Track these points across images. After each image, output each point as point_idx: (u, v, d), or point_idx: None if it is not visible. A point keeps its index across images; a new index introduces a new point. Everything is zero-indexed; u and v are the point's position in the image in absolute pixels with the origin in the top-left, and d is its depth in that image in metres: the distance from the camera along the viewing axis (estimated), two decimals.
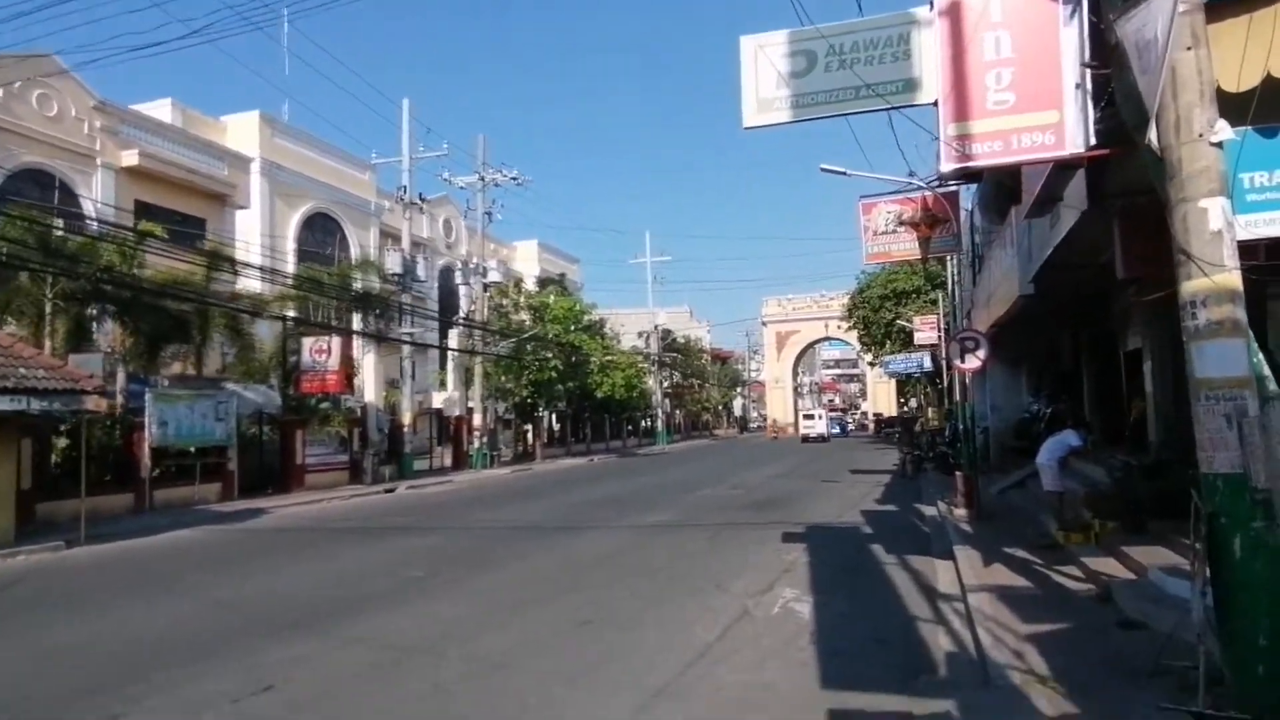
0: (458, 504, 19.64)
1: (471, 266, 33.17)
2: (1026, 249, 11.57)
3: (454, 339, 33.87)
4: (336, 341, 23.91)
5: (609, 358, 41.42)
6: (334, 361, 23.81)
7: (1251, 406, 4.44)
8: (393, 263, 27.50)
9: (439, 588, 9.15)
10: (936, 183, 15.38)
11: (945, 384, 36.09)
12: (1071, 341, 18.42)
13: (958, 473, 13.15)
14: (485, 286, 33.55)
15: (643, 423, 56.88)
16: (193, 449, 19.82)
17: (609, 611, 7.88)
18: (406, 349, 28.36)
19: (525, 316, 38.26)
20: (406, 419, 28.10)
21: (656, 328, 57.79)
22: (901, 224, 16.41)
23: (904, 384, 60.98)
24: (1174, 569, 6.90)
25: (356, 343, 28.21)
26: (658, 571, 9.77)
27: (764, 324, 79.46)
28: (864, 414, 78.96)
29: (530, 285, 43.59)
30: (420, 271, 28.67)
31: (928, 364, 37.09)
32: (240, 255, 23.69)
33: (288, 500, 20.90)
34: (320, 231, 36.75)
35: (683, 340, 65.51)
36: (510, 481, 27.28)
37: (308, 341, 24.02)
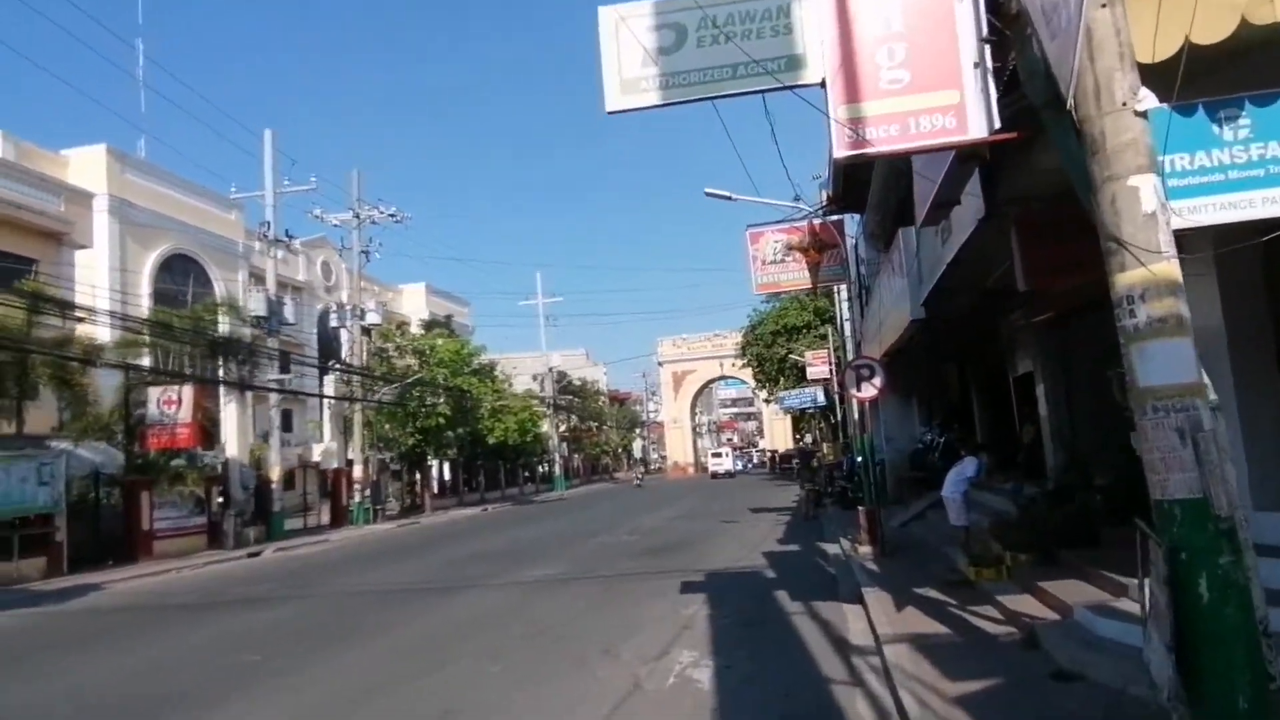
0: (326, 567, 17.69)
1: (348, 308, 31.14)
2: (916, 273, 11.22)
3: (330, 386, 31.59)
4: (188, 391, 21.56)
5: (501, 402, 39.80)
6: (185, 413, 21.43)
7: (1206, 419, 3.74)
8: (256, 304, 25.30)
9: (270, 676, 7.59)
10: (823, 210, 15.09)
11: (839, 418, 36.40)
12: (959, 372, 18.47)
13: (859, 508, 12.52)
14: (364, 329, 31.54)
15: (539, 468, 55.09)
16: (13, 520, 17.14)
17: (476, 695, 6.59)
18: (274, 398, 26.05)
19: (412, 361, 36.30)
20: (275, 474, 25.68)
21: (551, 370, 56.55)
22: (790, 250, 16.02)
23: (799, 419, 61.79)
24: (1100, 606, 6.27)
25: (220, 393, 25.76)
26: (539, 636, 8.52)
27: (660, 364, 79.41)
28: (761, 451, 79.56)
29: (417, 329, 41.63)
30: (289, 313, 26.53)
31: (821, 398, 37.35)
32: (84, 299, 21.17)
33: (131, 572, 18.38)
34: (181, 274, 34.00)
35: (579, 383, 64.36)
36: (393, 537, 25.24)
37: (154, 392, 21.57)
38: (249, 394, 25.85)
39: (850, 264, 15.84)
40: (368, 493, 30.73)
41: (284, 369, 28.06)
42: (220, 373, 24.72)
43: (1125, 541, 4.52)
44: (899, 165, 7.64)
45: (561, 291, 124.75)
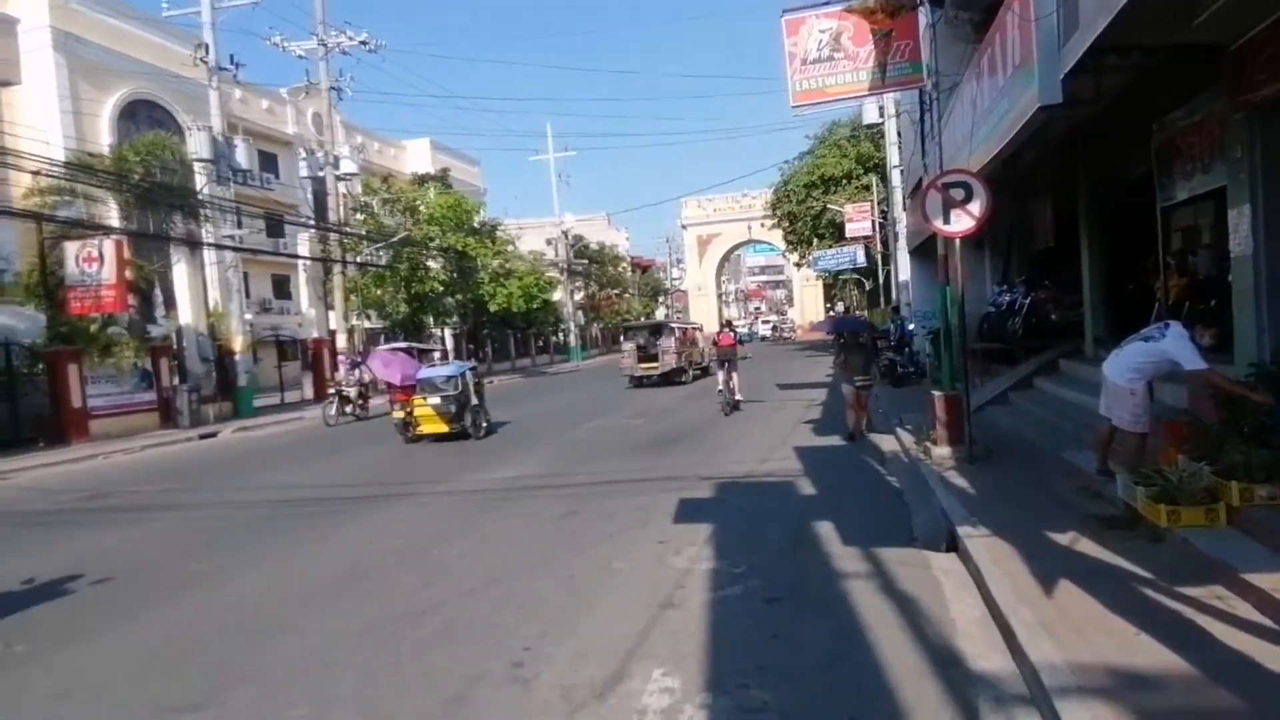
0: (269, 454, 14.70)
1: (318, 155, 27.06)
2: (1056, 31, 7.05)
3: (305, 247, 28.02)
4: (109, 245, 18.10)
5: (505, 265, 36.00)
6: (109, 272, 18.08)
7: None
8: (198, 145, 21.36)
9: None
10: None
11: (881, 280, 32.32)
12: (1054, 210, 14.23)
13: (936, 392, 8.87)
14: (339, 179, 27.55)
15: (554, 338, 52.00)
16: None
17: None
18: (230, 257, 22.56)
19: (405, 218, 32.43)
20: (238, 344, 22.55)
21: (566, 233, 52.27)
22: (839, 43, 11.65)
23: (830, 287, 57.56)
24: None
25: (170, 252, 22.40)
26: (427, 617, 5.18)
27: (684, 227, 74.59)
28: (789, 321, 75.55)
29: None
30: (241, 157, 22.51)
31: (861, 258, 33.13)
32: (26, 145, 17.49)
33: (49, 458, 15.62)
34: (147, 123, 29.90)
35: (597, 247, 60.07)
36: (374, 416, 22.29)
37: (71, 247, 18.16)
38: (225, 254, 22.35)
39: (925, 48, 11.38)
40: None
41: (239, 223, 24.40)
42: (165, 227, 21.21)
43: None
44: None
45: (580, 149, 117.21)
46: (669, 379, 23.90)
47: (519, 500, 8.57)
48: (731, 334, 17.16)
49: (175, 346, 22.17)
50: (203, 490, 10.94)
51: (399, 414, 14.98)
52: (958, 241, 8.22)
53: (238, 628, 5.20)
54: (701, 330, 29.68)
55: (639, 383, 24.12)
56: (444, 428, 14.08)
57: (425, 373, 15.13)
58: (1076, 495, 6.59)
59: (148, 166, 20.57)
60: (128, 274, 19.15)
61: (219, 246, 21.83)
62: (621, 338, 33.54)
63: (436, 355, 22.37)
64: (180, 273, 22.76)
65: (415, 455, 12.77)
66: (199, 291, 22.47)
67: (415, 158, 49.52)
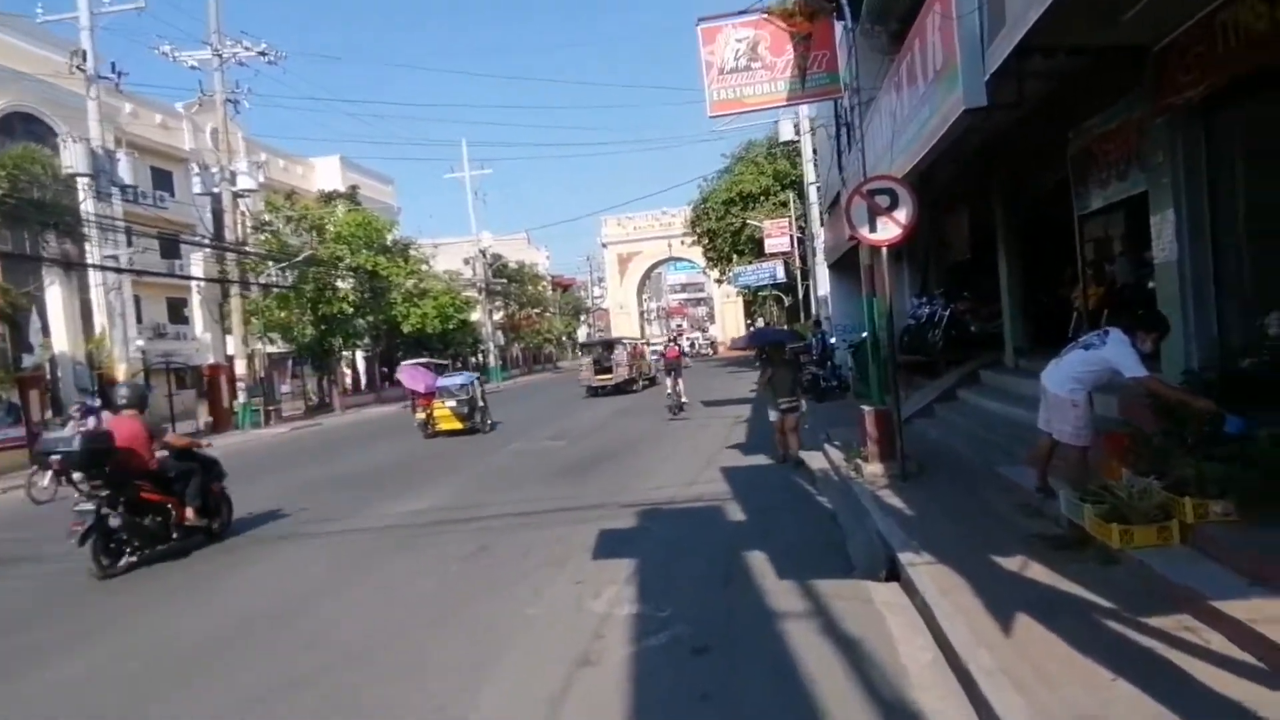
0: None
1: (213, 171, 25.48)
2: (977, 33, 6.83)
3: (199, 267, 26.29)
4: None
5: (417, 283, 34.71)
6: None
7: None
8: (74, 159, 19.70)
9: None
10: None
11: (801, 296, 32.54)
12: (971, 221, 14.33)
13: (866, 407, 8.52)
14: (238, 195, 26.01)
15: (473, 359, 50.64)
16: None
17: None
18: (111, 279, 20.82)
19: (310, 237, 30.88)
20: (120, 372, 20.79)
21: (484, 252, 51.17)
22: (757, 52, 11.38)
23: (751, 303, 58.11)
24: None
25: (43, 274, 20.52)
26: (301, 690, 4.40)
27: (604, 246, 74.28)
28: (710, 339, 75.87)
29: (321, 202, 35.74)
30: (124, 171, 20.91)
31: (781, 274, 33.32)
32: None
33: None
34: (26, 137, 27.65)
35: (515, 266, 59.04)
36: (274, 445, 20.90)
37: None
38: (107, 276, 20.55)
39: (842, 59, 11.18)
40: (252, 392, 26.08)
41: (130, 241, 22.63)
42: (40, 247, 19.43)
43: None
44: None
45: (499, 164, 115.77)
46: (621, 389, 26.39)
47: (426, 537, 7.78)
48: (677, 347, 21.11)
49: (49, 376, 20.30)
50: (54, 538, 9.68)
51: (421, 415, 18.31)
52: (884, 251, 7.92)
53: (73, 716, 4.30)
54: (649, 345, 33.80)
55: (595, 392, 26.48)
56: (459, 425, 17.44)
57: (443, 381, 18.84)
58: (1017, 513, 6.27)
59: (14, 181, 18.79)
60: None
61: (96, 267, 20.16)
62: (580, 353, 36.94)
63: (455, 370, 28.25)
64: (55, 296, 20.87)
65: (318, 488, 11.74)
66: (76, 317, 20.67)
67: (325, 176, 47.64)
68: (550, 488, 9.95)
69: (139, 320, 35.72)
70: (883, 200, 7.71)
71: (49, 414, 19.22)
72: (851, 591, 5.20)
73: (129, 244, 25.24)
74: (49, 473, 10.00)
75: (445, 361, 32.07)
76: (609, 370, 26.70)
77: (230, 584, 6.74)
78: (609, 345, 29.12)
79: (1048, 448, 6.00)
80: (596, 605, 5.28)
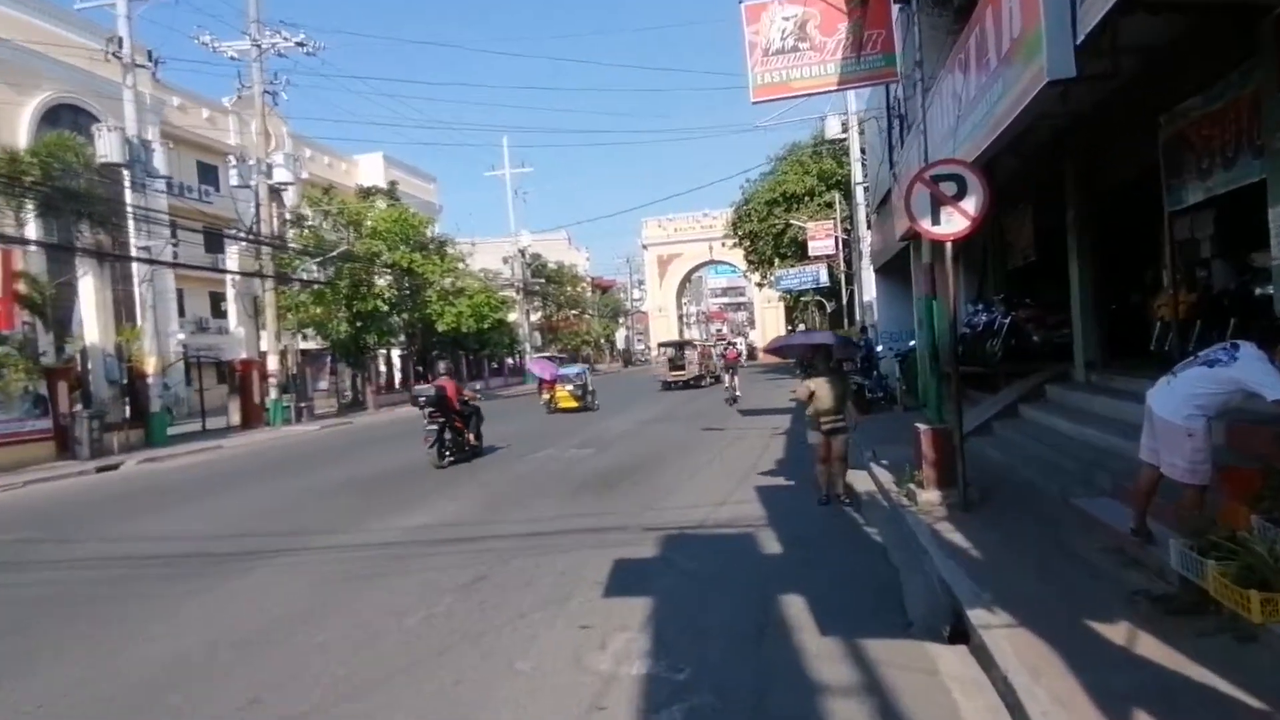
0: (163, 493, 12.84)
1: (250, 163, 25.24)
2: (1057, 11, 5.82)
3: (234, 260, 26.09)
4: None
5: (457, 283, 34.22)
6: None
7: None
8: (108, 148, 19.49)
9: None
10: None
11: (845, 301, 31.34)
12: (1036, 222, 13.16)
13: (921, 426, 7.53)
14: (272, 190, 25.75)
15: (509, 360, 50.22)
16: None
17: None
18: (141, 271, 20.62)
19: (348, 232, 30.63)
20: (150, 365, 20.57)
21: (523, 251, 50.73)
22: (805, 29, 10.45)
23: (792, 309, 56.76)
24: None
25: (83, 265, 20.40)
26: None
27: (645, 247, 73.53)
28: (749, 343, 74.61)
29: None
30: (159, 163, 20.72)
31: (824, 278, 32.13)
32: None
33: None
34: (72, 129, 27.91)
35: (554, 266, 58.54)
36: (301, 443, 20.46)
37: None
38: (140, 268, 20.40)
39: (899, 40, 10.15)
40: (286, 387, 25.78)
41: (150, 232, 22.46)
42: (70, 235, 19.27)
43: None
44: None
45: (541, 167, 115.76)
46: (690, 384, 30.56)
47: (421, 558, 7.00)
48: (736, 350, 27.42)
49: (80, 368, 20.10)
50: (65, 540, 9.15)
51: (545, 396, 24.01)
52: (949, 247, 6.91)
53: None
54: (713, 347, 37.61)
55: (669, 386, 30.63)
56: (575, 404, 22.85)
57: (563, 370, 25.20)
58: (1107, 560, 5.25)
59: (47, 169, 18.61)
60: (19, 287, 17.25)
61: (126, 258, 19.93)
62: (657, 351, 43.86)
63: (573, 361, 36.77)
64: (88, 287, 20.71)
65: (327, 494, 11.07)
66: (109, 308, 20.45)
67: (368, 172, 47.76)
68: (568, 504, 9.12)
69: (181, 314, 36.08)
70: (948, 187, 6.73)
71: (79, 407, 19.03)
72: (910, 656, 4.26)
73: (173, 236, 25.35)
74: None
75: (564, 355, 42.49)
76: (682, 367, 31.02)
77: (200, 608, 6.02)
78: (681, 346, 33.89)
79: (1151, 482, 4.98)
80: (600, 661, 4.41)
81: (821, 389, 8.21)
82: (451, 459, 12.83)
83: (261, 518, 9.61)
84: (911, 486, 7.50)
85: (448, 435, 12.72)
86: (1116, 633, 4.07)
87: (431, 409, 12.60)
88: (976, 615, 4.45)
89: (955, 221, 6.72)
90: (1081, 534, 5.87)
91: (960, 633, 4.54)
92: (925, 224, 6.80)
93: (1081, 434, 8.62)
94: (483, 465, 12.96)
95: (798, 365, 30.23)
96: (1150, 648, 3.86)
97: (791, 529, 7.17)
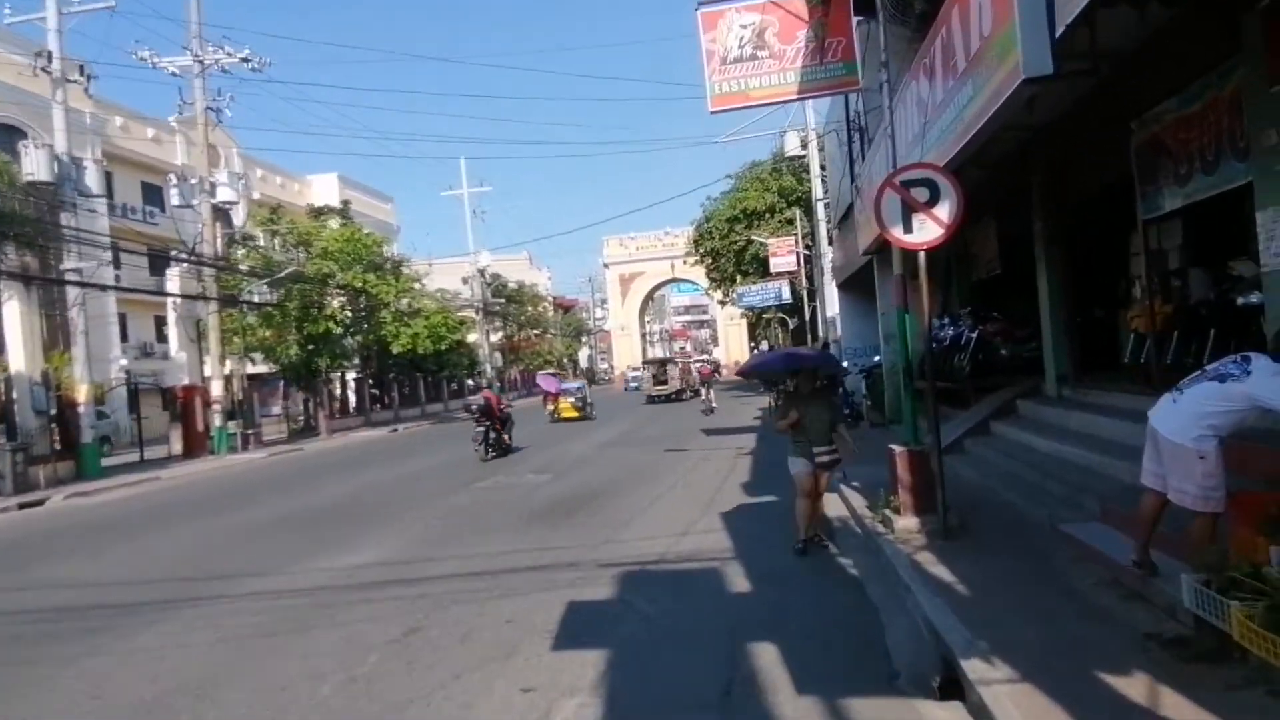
0: (84, 532, 11.82)
1: (192, 182, 24.23)
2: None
3: (175, 283, 24.94)
4: None
5: (409, 302, 33.26)
6: None
7: None
8: (34, 165, 18.44)
9: None
10: None
11: (807, 318, 31.11)
12: (1000, 233, 12.92)
13: (895, 447, 7.03)
14: (217, 209, 24.73)
15: (469, 381, 49.18)
16: None
17: None
18: (73, 295, 19.49)
19: (297, 253, 29.63)
20: (82, 393, 19.42)
21: (482, 271, 49.88)
22: (763, 38, 10.05)
23: (755, 326, 56.68)
24: None
25: None
26: None
27: (606, 266, 73.11)
28: (705, 363, 74.43)
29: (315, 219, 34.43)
30: (91, 180, 19.68)
31: (786, 294, 31.91)
32: None
33: None
34: (6, 149, 26.66)
35: (515, 286, 57.72)
36: (245, 473, 19.44)
37: None
38: (77, 292, 19.24)
39: (859, 49, 9.79)
40: (229, 414, 24.65)
41: (82, 255, 21.34)
42: None
43: None
44: None
45: (500, 185, 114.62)
46: (671, 398, 33.15)
47: (350, 607, 6.28)
48: (709, 367, 32.84)
49: (5, 397, 18.89)
50: None
51: (550, 407, 27.89)
52: (922, 257, 6.46)
53: None
54: (692, 363, 41.57)
55: (653, 400, 33.40)
56: (576, 414, 26.61)
57: (565, 385, 29.92)
58: (1107, 595, 4.77)
59: None
60: None
61: (51, 281, 18.82)
62: (642, 368, 44.61)
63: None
64: (12, 312, 19.52)
65: (256, 532, 10.23)
66: (36, 334, 19.28)
67: (323, 193, 46.70)
68: (520, 537, 8.45)
69: (124, 339, 34.58)
70: (920, 193, 6.28)
71: (2, 439, 17.85)
72: (901, 717, 3.70)
73: (112, 258, 24.17)
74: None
75: (564, 372, 52.02)
76: (665, 382, 33.76)
77: (92, 668, 5.24)
78: (664, 363, 37.29)
79: (1155, 510, 4.50)
80: None
81: (810, 415, 6.97)
82: (494, 454, 16.26)
83: (185, 560, 8.77)
84: (887, 512, 7.00)
85: (491, 436, 16.27)
86: (1133, 687, 3.56)
87: (479, 414, 16.49)
88: (972, 667, 3.91)
89: (928, 229, 6.27)
90: (1075, 565, 5.39)
91: (952, 684, 4.00)
92: (897, 232, 6.35)
93: (1059, 452, 8.23)
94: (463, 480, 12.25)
95: (764, 384, 29.84)
96: (1174, 705, 3.36)
97: (759, 562, 6.60)
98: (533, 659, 4.77)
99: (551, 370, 43.81)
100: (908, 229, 6.32)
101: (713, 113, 10.87)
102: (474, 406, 17.36)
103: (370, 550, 8.30)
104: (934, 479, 6.49)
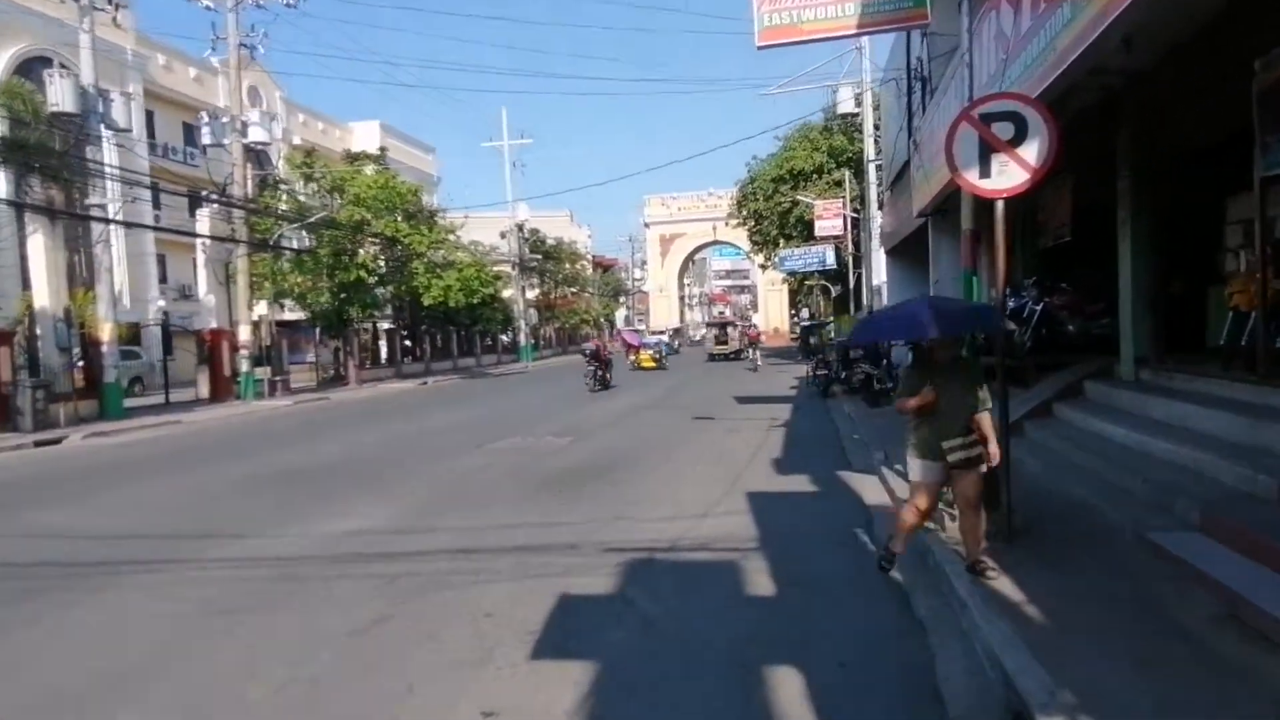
0: (94, 474, 11.45)
1: (223, 121, 23.64)
2: None
3: (204, 224, 24.56)
4: None
5: (443, 254, 32.58)
6: None
7: None
8: (60, 95, 17.94)
9: None
10: None
11: (852, 284, 29.80)
12: (1074, 197, 11.64)
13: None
14: (250, 150, 24.17)
15: (502, 337, 48.69)
16: None
17: None
18: (97, 229, 19.11)
19: (330, 198, 29.06)
20: (105, 331, 19.14)
21: (520, 225, 49.05)
22: None
23: (796, 293, 55.14)
24: None
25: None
26: None
27: (647, 225, 71.78)
28: (753, 326, 73.09)
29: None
30: (118, 114, 19.13)
31: (830, 260, 30.54)
32: None
33: None
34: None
35: (553, 242, 56.77)
36: (268, 420, 19.10)
37: None
38: (101, 229, 18.90)
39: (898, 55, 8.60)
40: (256, 359, 24.35)
41: (118, 190, 20.96)
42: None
43: None
44: None
45: (541, 140, 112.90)
46: (731, 357, 37.19)
47: (323, 582, 5.58)
48: (755, 330, 40.53)
49: (29, 334, 18.68)
50: None
51: (632, 358, 32.40)
52: (1000, 206, 5.40)
53: None
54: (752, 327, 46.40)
55: (713, 358, 38.12)
56: (653, 364, 31.69)
57: (645, 340, 36.08)
58: (1224, 636, 3.81)
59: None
60: None
61: (73, 215, 18.42)
62: (704, 330, 53.67)
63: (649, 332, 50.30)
64: (37, 247, 19.24)
65: (253, 487, 9.65)
66: (60, 270, 18.99)
67: (364, 140, 46.20)
68: (523, 508, 7.69)
69: (163, 280, 34.58)
70: (1003, 129, 5.21)
71: (24, 375, 17.65)
72: None
73: (138, 195, 23.86)
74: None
75: (642, 328, 61.04)
76: (725, 343, 39.11)
77: (19, 641, 4.61)
78: (724, 326, 42.62)
79: None
80: None
81: (945, 395, 4.87)
82: (600, 387, 21.42)
83: (169, 514, 8.19)
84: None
85: (598, 374, 21.63)
86: None
87: (590, 357, 22.10)
88: None
89: (1011, 173, 5.21)
90: (1175, 588, 4.42)
91: None
92: (971, 176, 5.30)
93: (1141, 444, 7.17)
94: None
95: (801, 349, 28.54)
96: None
97: (787, 560, 5.71)
98: (505, 669, 3.98)
99: (632, 327, 53.35)
100: (984, 173, 5.27)
101: (760, 47, 9.73)
102: (586, 350, 23.22)
103: (362, 515, 7.61)
104: (997, 476, 5.52)
